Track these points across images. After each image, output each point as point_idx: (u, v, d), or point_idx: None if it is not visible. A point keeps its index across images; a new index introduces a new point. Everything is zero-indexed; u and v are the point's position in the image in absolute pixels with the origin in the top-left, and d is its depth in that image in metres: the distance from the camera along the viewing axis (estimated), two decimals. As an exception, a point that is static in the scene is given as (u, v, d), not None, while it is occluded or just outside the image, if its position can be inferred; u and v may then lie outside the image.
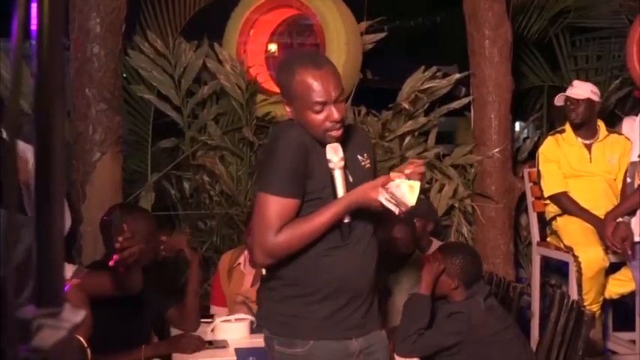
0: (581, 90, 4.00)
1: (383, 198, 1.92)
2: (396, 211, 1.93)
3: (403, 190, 1.90)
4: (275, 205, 2.00)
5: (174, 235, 3.10)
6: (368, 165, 2.18)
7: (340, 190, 2.03)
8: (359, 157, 2.16)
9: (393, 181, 1.92)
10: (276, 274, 2.13)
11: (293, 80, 2.03)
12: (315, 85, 2.00)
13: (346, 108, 2.07)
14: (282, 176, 2.00)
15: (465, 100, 4.61)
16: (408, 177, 1.94)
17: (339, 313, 2.10)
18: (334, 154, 2.03)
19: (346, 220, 2.05)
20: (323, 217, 2.01)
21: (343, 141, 2.10)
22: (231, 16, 4.49)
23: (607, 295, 3.86)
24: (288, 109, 2.09)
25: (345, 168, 2.06)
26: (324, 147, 2.05)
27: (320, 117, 2.01)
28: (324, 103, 2.01)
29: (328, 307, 2.09)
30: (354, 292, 2.11)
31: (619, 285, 3.83)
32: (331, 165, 2.03)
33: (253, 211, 2.15)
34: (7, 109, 0.73)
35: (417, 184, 1.92)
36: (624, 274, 3.76)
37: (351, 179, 2.08)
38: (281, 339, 2.10)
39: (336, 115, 2.01)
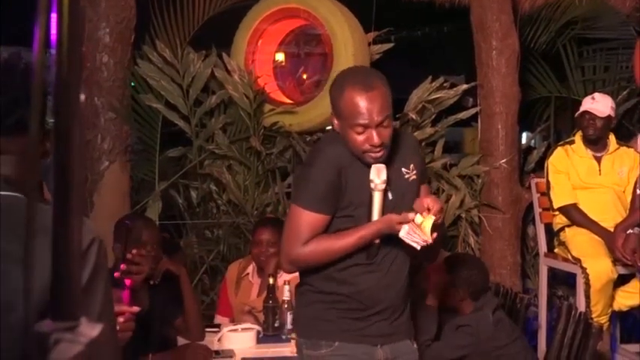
0: (602, 106, 3.93)
1: (404, 234, 1.95)
2: (417, 247, 1.96)
3: (421, 227, 1.94)
4: (305, 219, 2.05)
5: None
6: (413, 177, 2.15)
7: (376, 212, 2.04)
8: (403, 169, 2.14)
9: (412, 219, 1.95)
10: (306, 280, 2.18)
11: (341, 97, 2.03)
12: (360, 107, 1.99)
13: (391, 131, 2.04)
14: (315, 192, 2.04)
15: (473, 111, 4.61)
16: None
17: (364, 321, 2.12)
18: (377, 176, 2.03)
19: (376, 241, 2.07)
20: (350, 239, 2.04)
21: (388, 155, 2.09)
22: (240, 27, 4.51)
23: (616, 307, 3.85)
24: (335, 121, 2.10)
25: (386, 189, 2.06)
26: (364, 164, 2.05)
27: (360, 138, 2.01)
28: (365, 126, 2.00)
29: (353, 314, 2.12)
30: (380, 306, 2.13)
31: (628, 297, 3.81)
32: (372, 185, 2.03)
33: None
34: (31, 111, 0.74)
35: (431, 220, 1.94)
36: (633, 286, 3.74)
37: (390, 197, 2.08)
38: (308, 342, 2.16)
39: (376, 139, 2.00)
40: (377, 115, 1.99)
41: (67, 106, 0.75)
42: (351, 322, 2.12)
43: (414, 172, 2.16)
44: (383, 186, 2.03)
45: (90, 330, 0.64)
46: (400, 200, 2.08)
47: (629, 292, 3.79)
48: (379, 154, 2.03)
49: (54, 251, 0.70)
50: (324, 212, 2.05)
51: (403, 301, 2.19)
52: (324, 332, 2.13)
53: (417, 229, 1.93)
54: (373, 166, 2.03)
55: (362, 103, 1.99)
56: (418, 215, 1.94)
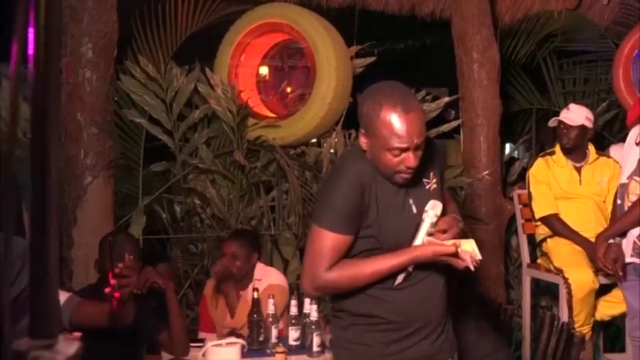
0: (576, 115, 4.01)
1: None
2: (472, 266, 1.97)
3: (469, 250, 1.96)
4: (328, 240, 1.98)
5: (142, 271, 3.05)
6: (434, 186, 2.09)
7: (420, 238, 2.01)
8: (424, 179, 2.08)
9: (452, 248, 1.96)
10: (340, 305, 2.10)
11: (377, 117, 1.95)
12: (399, 130, 1.92)
13: (420, 153, 1.99)
14: (336, 213, 1.98)
15: (455, 123, 4.65)
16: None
17: (404, 342, 2.04)
18: (432, 209, 2.02)
19: (409, 269, 2.01)
20: (382, 266, 1.98)
21: None
22: (223, 41, 4.52)
23: (598, 316, 3.88)
24: (363, 139, 2.02)
25: (410, 202, 2.04)
26: (390, 182, 2.01)
27: (395, 160, 1.95)
28: (404, 150, 1.94)
29: (392, 336, 2.04)
30: (419, 322, 2.05)
31: (610, 307, 3.84)
32: (424, 215, 2.01)
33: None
34: (7, 130, 0.74)
35: (470, 243, 1.97)
36: (615, 295, 3.78)
37: (414, 210, 2.04)
38: None
39: (412, 162, 1.95)
40: (417, 138, 1.93)
41: (44, 122, 0.75)
42: (390, 345, 2.03)
43: (434, 180, 2.10)
44: (435, 219, 2.01)
45: (67, 348, 0.65)
46: (423, 212, 2.04)
47: (611, 302, 3.82)
48: (409, 176, 1.99)
49: (32, 270, 0.70)
50: (348, 233, 1.98)
51: (443, 316, 2.11)
52: (363, 357, 2.06)
53: (467, 254, 1.95)
54: (432, 201, 2.03)
55: (403, 126, 1.91)
56: (461, 242, 1.95)
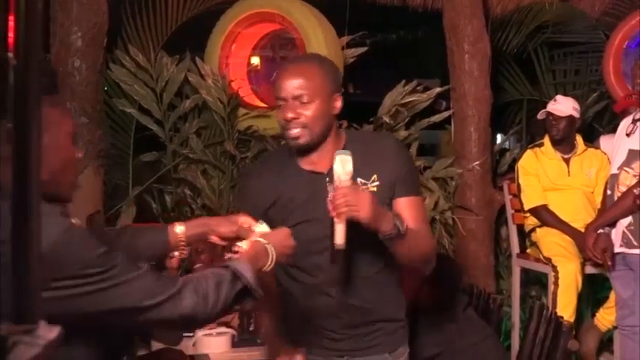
0: (564, 106, 4.05)
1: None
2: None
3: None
4: None
5: None
6: (371, 189, 1.91)
7: (340, 237, 1.77)
8: (359, 179, 1.89)
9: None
10: None
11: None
12: (280, 79, 1.92)
13: (316, 114, 1.89)
14: None
15: (446, 114, 4.66)
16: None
17: (318, 332, 2.03)
18: (341, 167, 1.77)
19: (338, 242, 1.77)
20: None
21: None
22: (213, 30, 4.50)
23: (603, 328, 3.86)
24: None
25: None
26: (302, 172, 1.95)
27: (280, 113, 1.93)
28: (282, 99, 1.90)
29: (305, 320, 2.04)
30: (332, 326, 2.00)
31: (612, 312, 3.76)
32: (336, 181, 1.78)
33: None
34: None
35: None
36: (612, 300, 3.76)
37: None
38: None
39: (287, 112, 1.89)
40: (295, 89, 1.88)
41: (25, 109, 0.75)
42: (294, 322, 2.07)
43: (376, 183, 1.92)
44: (348, 182, 1.78)
45: (48, 332, 0.65)
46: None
47: (610, 308, 3.79)
48: (294, 132, 1.89)
49: (14, 255, 0.71)
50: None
51: (366, 320, 2.02)
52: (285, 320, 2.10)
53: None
54: (337, 157, 1.79)
55: (283, 75, 1.93)
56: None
